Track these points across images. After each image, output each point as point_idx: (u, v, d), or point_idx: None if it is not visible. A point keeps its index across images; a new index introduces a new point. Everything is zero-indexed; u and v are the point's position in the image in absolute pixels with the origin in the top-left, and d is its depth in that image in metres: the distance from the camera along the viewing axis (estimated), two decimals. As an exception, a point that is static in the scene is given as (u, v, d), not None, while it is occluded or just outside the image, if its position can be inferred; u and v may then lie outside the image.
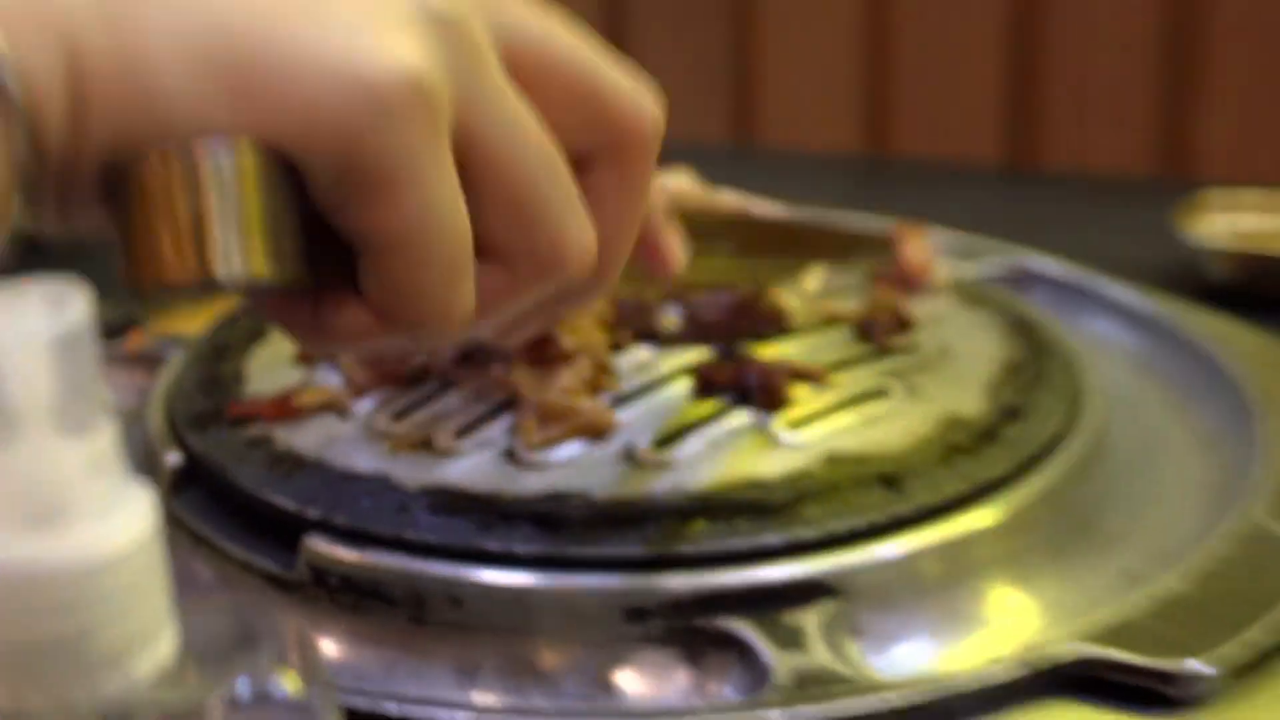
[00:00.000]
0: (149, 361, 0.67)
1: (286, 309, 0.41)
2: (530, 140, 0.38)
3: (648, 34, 1.55)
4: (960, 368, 0.64)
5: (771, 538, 0.52)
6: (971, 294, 0.73)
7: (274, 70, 0.35)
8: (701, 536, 0.52)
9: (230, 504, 0.56)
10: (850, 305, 0.67)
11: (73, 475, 0.25)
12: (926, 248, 0.71)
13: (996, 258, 0.83)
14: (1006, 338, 0.67)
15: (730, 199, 0.76)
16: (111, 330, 0.69)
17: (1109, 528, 0.58)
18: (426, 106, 0.35)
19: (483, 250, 0.39)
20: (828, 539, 0.52)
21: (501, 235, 0.39)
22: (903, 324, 0.66)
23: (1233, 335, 0.72)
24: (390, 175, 0.36)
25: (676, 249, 0.49)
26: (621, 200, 0.42)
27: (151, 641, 0.27)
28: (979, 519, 0.54)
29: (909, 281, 0.69)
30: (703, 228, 0.54)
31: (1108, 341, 0.75)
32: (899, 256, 0.69)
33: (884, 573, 0.52)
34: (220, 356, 0.64)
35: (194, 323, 0.69)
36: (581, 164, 0.41)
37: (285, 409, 0.58)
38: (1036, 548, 0.55)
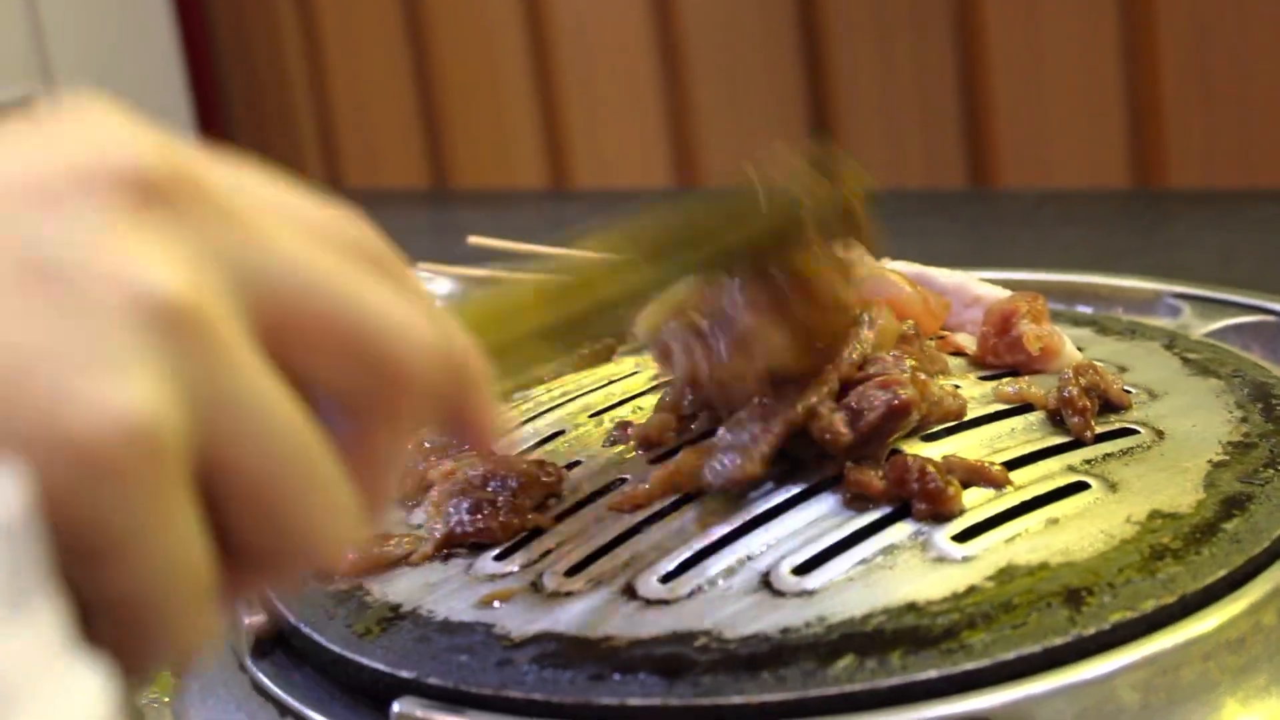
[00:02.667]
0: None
1: None
2: (280, 442, 0.38)
3: (864, 78, 1.58)
4: (1176, 453, 0.64)
5: (929, 672, 0.53)
6: (1204, 357, 0.74)
7: None
8: (848, 675, 0.53)
9: (317, 666, 0.60)
10: (1040, 386, 0.68)
11: (13, 662, 0.29)
12: (1044, 320, 0.71)
13: (1247, 306, 0.84)
14: (1240, 411, 0.68)
15: (902, 267, 0.79)
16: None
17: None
18: (152, 458, 0.34)
19: (233, 550, 0.39)
20: (997, 669, 0.53)
21: (253, 541, 0.39)
22: (1108, 404, 0.67)
23: None
24: (108, 542, 0.35)
25: (493, 420, 0.46)
26: (388, 444, 0.42)
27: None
28: (1188, 634, 0.55)
29: (1025, 367, 0.71)
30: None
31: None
32: (1010, 336, 0.71)
33: (1069, 705, 0.53)
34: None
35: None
36: (355, 406, 0.41)
37: (366, 564, 0.62)
38: (1268, 665, 0.56)
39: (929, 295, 0.76)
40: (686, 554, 0.60)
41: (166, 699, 0.64)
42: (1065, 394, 0.66)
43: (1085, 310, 0.90)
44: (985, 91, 1.52)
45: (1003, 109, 1.52)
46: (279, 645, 0.63)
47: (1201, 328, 0.84)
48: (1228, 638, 0.55)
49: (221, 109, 2.11)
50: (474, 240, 0.92)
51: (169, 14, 2.01)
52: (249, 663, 0.63)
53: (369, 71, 1.96)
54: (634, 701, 0.54)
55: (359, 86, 1.98)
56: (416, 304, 0.41)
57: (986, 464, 0.62)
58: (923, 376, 0.65)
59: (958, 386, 0.69)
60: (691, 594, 0.58)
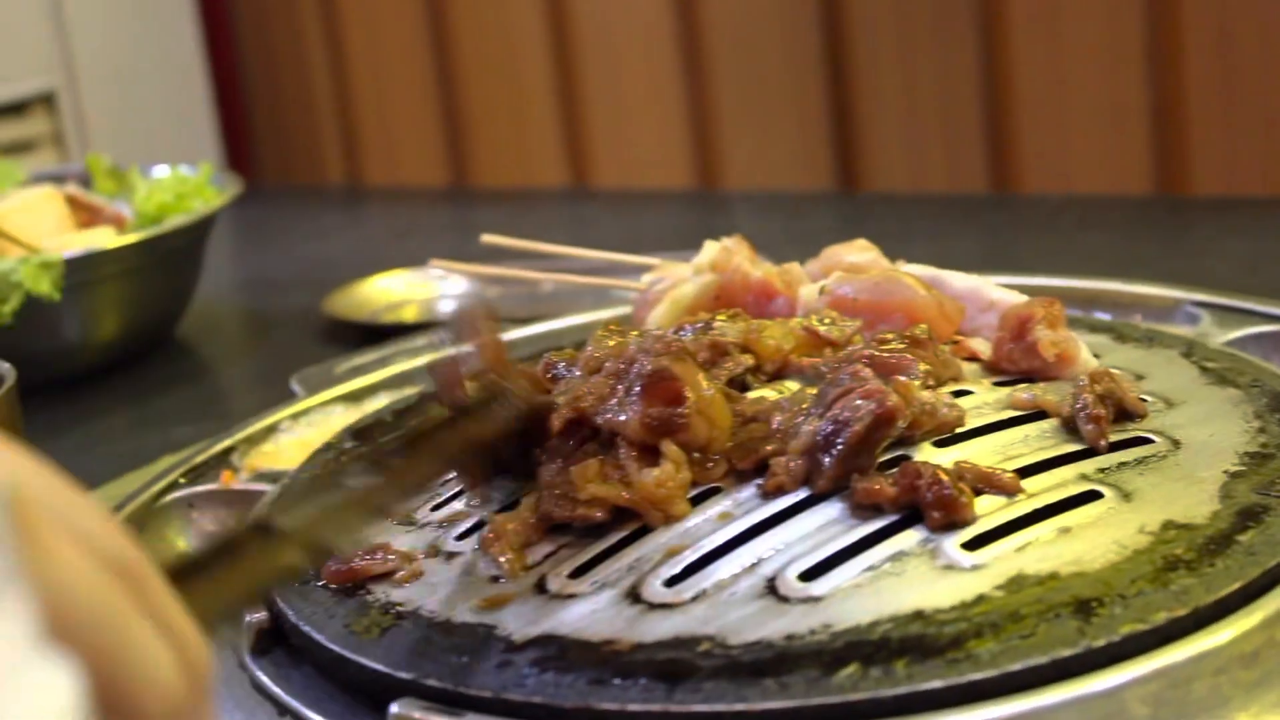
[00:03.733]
0: (245, 500, 0.72)
1: None
2: None
3: (887, 82, 1.57)
4: (1192, 462, 0.63)
5: (934, 682, 0.52)
6: (1223, 366, 0.73)
7: None
8: (852, 684, 0.52)
9: (316, 665, 0.60)
10: (1055, 393, 0.67)
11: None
12: (1060, 326, 0.70)
13: (1268, 315, 0.83)
14: (1258, 421, 0.67)
15: (917, 270, 0.78)
16: (202, 470, 0.73)
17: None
18: None
19: None
20: (1004, 680, 0.52)
21: None
22: (1123, 412, 0.66)
23: None
24: None
25: None
26: None
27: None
28: (1201, 648, 0.54)
29: (1040, 373, 0.70)
30: None
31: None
32: (1025, 342, 0.70)
33: (1077, 718, 0.52)
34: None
35: (294, 457, 0.73)
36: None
37: (349, 574, 0.62)
38: (1280, 681, 0.55)
39: (944, 299, 0.75)
40: (693, 557, 0.59)
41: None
42: (1080, 401, 0.65)
43: (1103, 317, 0.89)
44: (1008, 96, 1.51)
45: (1025, 114, 1.51)
46: (279, 643, 0.62)
47: (1221, 336, 0.84)
48: (1241, 651, 0.54)
49: (244, 106, 2.11)
50: (486, 239, 0.91)
51: (192, 10, 2.00)
52: (248, 660, 0.62)
53: (391, 69, 1.96)
54: (634, 707, 0.53)
55: (381, 84, 1.97)
56: (169, 638, 0.40)
57: (998, 471, 0.61)
58: (904, 380, 0.64)
59: (971, 392, 0.68)
60: (696, 598, 0.57)
